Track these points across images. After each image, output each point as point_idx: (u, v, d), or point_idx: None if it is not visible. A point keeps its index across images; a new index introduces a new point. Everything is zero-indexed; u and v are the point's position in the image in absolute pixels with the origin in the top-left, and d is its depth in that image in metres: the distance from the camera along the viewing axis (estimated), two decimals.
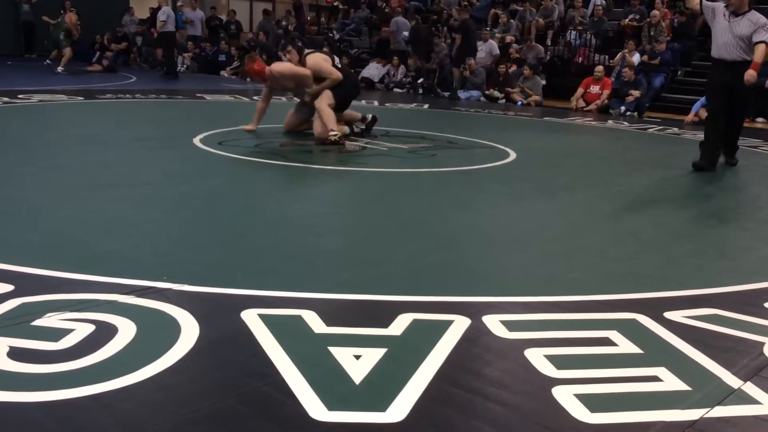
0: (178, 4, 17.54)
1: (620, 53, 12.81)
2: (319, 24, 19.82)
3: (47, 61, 15.38)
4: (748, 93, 6.48)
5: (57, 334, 2.27)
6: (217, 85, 13.54)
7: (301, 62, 7.01)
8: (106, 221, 3.71)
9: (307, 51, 7.15)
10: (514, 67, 13.30)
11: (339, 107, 7.09)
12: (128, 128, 7.25)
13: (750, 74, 6.03)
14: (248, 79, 7.06)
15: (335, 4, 20.86)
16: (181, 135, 6.83)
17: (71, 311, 2.45)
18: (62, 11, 15.24)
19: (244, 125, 7.01)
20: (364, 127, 7.56)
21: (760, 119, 11.04)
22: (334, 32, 17.93)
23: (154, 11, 16.13)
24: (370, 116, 7.62)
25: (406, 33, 15.28)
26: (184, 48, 17.45)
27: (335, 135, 6.68)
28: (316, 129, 6.95)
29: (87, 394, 1.92)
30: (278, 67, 7.04)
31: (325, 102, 6.90)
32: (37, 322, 2.36)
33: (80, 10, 15.74)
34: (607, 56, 13.59)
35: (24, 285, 2.68)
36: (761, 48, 6.08)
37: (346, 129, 7.28)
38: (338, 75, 6.96)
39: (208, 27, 18.35)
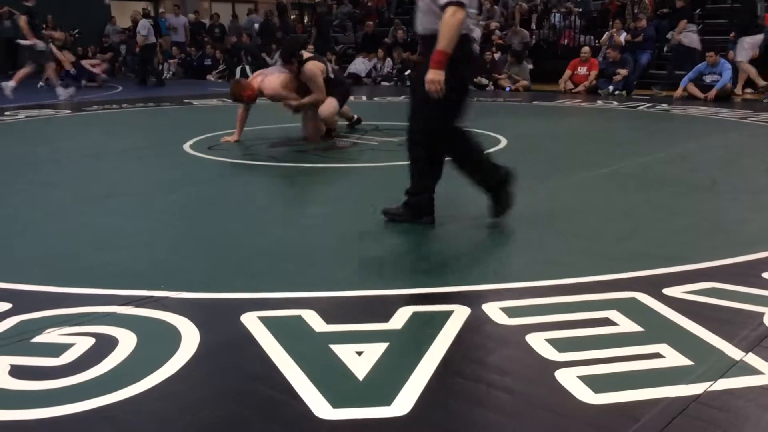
0: (161, 11, 17.45)
1: (607, 33, 12.80)
2: (303, 22, 19.77)
3: (40, 83, 13.47)
4: (438, 99, 3.42)
5: (58, 349, 2.26)
6: (204, 90, 13.50)
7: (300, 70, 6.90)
8: (101, 234, 3.70)
9: (306, 56, 7.06)
10: (499, 53, 13.28)
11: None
12: (118, 139, 7.23)
13: (429, 79, 3.33)
14: (241, 104, 6.81)
15: (317, 0, 20.79)
16: (171, 142, 6.81)
17: (70, 326, 2.44)
18: (44, 26, 15.01)
19: (226, 137, 6.85)
20: (347, 123, 7.80)
21: (748, 90, 11.05)
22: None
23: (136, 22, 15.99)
24: (355, 116, 7.91)
25: (256, 25, 16.76)
26: (169, 55, 17.39)
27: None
28: (307, 130, 6.97)
29: (90, 407, 1.91)
30: (268, 90, 6.89)
31: (329, 109, 7.03)
32: (37, 339, 2.35)
33: (63, 23, 15.53)
34: (592, 37, 13.58)
35: (22, 302, 2.67)
36: (446, 17, 3.29)
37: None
38: (323, 97, 6.89)
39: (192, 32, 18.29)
